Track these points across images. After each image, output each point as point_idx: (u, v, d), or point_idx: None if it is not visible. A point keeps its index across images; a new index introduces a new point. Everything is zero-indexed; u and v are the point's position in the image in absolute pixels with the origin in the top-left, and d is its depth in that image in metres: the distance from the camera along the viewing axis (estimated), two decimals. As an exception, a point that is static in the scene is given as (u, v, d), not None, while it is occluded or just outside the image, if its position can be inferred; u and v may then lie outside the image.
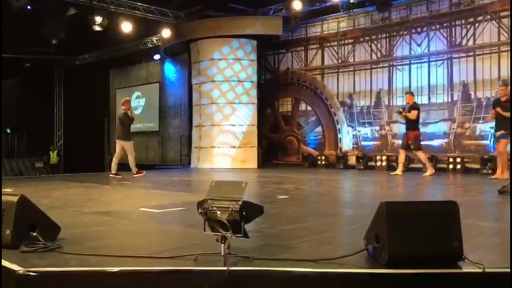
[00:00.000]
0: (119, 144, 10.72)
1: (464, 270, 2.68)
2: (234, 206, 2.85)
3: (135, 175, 10.52)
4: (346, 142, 14.06)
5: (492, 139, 9.43)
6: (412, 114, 10.36)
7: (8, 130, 21.23)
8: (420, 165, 11.78)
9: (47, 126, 21.73)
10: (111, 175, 10.37)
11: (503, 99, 9.30)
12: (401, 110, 10.72)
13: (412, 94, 10.86)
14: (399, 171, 10.61)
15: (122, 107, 10.77)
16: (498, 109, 9.17)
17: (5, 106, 18.51)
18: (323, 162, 14.00)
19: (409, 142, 10.46)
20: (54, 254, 3.00)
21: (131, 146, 10.78)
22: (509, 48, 11.08)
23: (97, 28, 13.15)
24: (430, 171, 10.40)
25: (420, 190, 8.24)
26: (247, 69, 14.55)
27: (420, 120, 12.48)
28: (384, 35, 13.31)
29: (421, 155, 10.56)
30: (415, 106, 10.52)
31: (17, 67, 19.67)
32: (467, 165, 11.42)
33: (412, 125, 10.45)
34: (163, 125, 17.97)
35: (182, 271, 2.70)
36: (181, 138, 16.91)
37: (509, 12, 11.07)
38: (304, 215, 5.18)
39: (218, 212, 2.86)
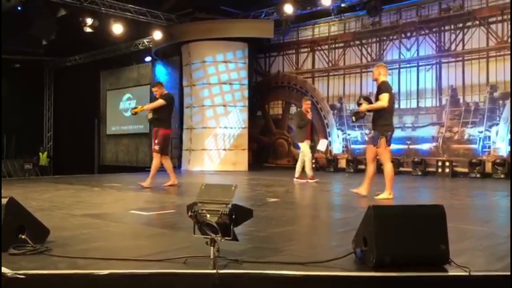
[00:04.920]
0: None
1: (450, 273, 2.72)
2: (224, 209, 2.86)
3: (309, 180, 9.53)
4: (336, 145, 14.12)
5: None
6: (155, 104, 8.13)
7: (-3, 131, 21.01)
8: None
9: (36, 128, 21.56)
10: (309, 181, 9.50)
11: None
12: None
13: (162, 84, 8.58)
14: (147, 182, 8.16)
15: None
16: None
17: (-6, 107, 18.35)
18: (314, 165, 14.02)
19: (155, 141, 8.16)
20: (43, 257, 2.99)
21: (303, 147, 9.76)
22: (497, 53, 11.22)
23: (88, 29, 13.10)
24: (173, 181, 8.34)
25: (408, 194, 8.29)
26: (238, 71, 14.57)
27: (409, 124, 12.65)
28: (374, 39, 13.42)
29: (156, 160, 8.16)
30: (163, 97, 8.20)
31: (7, 68, 19.49)
32: (455, 168, 11.54)
33: (165, 120, 8.23)
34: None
35: (172, 274, 2.71)
36: (172, 140, 16.82)
37: (497, 18, 11.22)
38: (293, 218, 5.20)
39: (208, 215, 2.87)
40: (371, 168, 6.62)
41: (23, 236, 3.13)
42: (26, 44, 15.70)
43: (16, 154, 21.23)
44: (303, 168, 9.73)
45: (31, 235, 3.16)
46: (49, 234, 3.40)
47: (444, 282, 2.74)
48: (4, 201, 3.15)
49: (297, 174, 9.67)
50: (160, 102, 8.09)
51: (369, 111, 6.46)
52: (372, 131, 6.52)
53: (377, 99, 6.40)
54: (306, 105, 9.87)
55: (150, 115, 8.21)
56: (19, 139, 21.57)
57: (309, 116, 9.81)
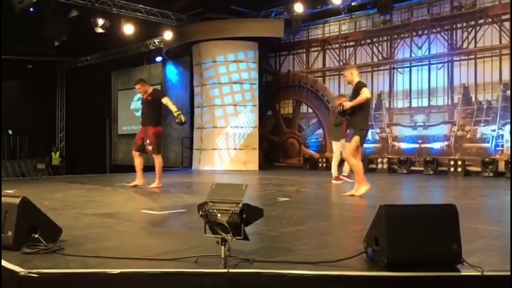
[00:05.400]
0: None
1: (463, 273, 2.70)
2: (235, 209, 2.87)
3: (333, 180, 9.11)
4: (347, 144, 14.05)
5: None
6: (169, 100, 7.78)
7: (10, 131, 21.28)
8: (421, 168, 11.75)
9: (49, 128, 21.79)
10: (333, 181, 9.09)
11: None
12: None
13: (144, 80, 8.17)
14: (138, 180, 7.95)
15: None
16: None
17: (7, 107, 18.57)
18: (324, 165, 14.00)
19: (146, 142, 7.73)
20: (56, 256, 3.02)
21: (336, 147, 9.29)
22: (510, 51, 11.10)
23: (99, 30, 13.19)
24: (138, 182, 7.92)
25: (420, 193, 8.24)
26: (249, 71, 14.59)
27: (421, 122, 12.56)
28: (385, 38, 13.35)
29: (158, 160, 7.83)
30: (160, 93, 7.93)
31: (19, 69, 19.73)
32: (468, 168, 11.43)
33: (156, 117, 7.81)
34: (164, 126, 17.85)
35: (183, 273, 2.72)
36: (182, 140, 16.93)
37: (510, 16, 11.09)
38: (304, 217, 5.19)
39: (219, 215, 2.88)
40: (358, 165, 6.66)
41: (36, 235, 3.16)
42: (38, 45, 15.86)
43: (29, 154, 21.47)
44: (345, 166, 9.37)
45: (44, 234, 3.19)
46: (61, 233, 3.43)
47: (456, 282, 2.72)
48: (17, 200, 3.19)
49: (345, 172, 9.23)
50: (168, 99, 7.79)
51: (353, 107, 6.35)
52: (349, 129, 6.50)
53: (354, 98, 6.35)
54: (341, 101, 9.53)
55: (182, 117, 7.60)
56: (31, 139, 21.82)
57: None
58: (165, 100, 7.75)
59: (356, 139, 6.30)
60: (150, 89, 8.03)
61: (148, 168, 8.57)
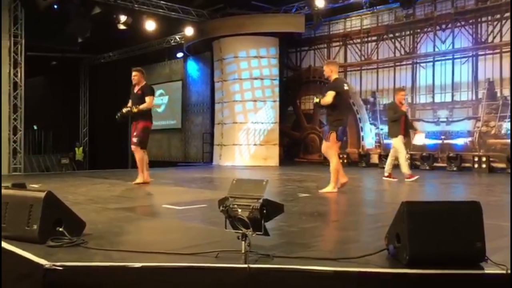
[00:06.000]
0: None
1: (487, 271, 2.65)
2: (255, 204, 2.87)
3: (406, 179, 8.49)
4: (369, 140, 13.94)
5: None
6: (150, 101, 7.64)
7: (35, 127, 21.70)
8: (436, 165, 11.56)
9: (72, 123, 22.14)
10: (406, 180, 8.48)
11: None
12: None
13: (142, 71, 7.91)
14: (140, 178, 7.82)
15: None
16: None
17: (32, 104, 18.89)
18: (345, 160, 13.89)
19: (133, 134, 7.70)
20: (79, 249, 3.07)
21: (396, 142, 8.77)
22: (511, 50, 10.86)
23: (122, 26, 13.34)
24: (140, 179, 7.83)
25: (443, 190, 8.13)
26: (269, 67, 14.56)
27: (444, 118, 12.36)
28: (408, 32, 13.16)
29: (139, 154, 7.72)
30: (149, 90, 7.77)
31: (44, 65, 20.08)
32: (492, 164, 11.22)
33: (146, 112, 7.71)
34: (185, 122, 18.12)
35: (203, 267, 2.74)
36: (203, 136, 17.03)
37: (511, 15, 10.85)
38: (325, 213, 5.17)
39: (239, 210, 2.89)
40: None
41: (60, 229, 3.22)
42: (62, 42, 16.12)
43: (53, 149, 21.87)
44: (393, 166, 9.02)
45: (68, 228, 3.25)
46: (85, 227, 3.49)
47: (480, 280, 2.67)
48: (42, 195, 3.26)
49: (386, 172, 8.92)
50: (151, 100, 7.67)
51: (323, 105, 6.71)
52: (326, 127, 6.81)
53: None
54: (400, 96, 9.05)
55: (134, 109, 7.55)
56: (55, 134, 22.20)
57: (404, 108, 8.93)
58: (147, 99, 7.61)
59: (333, 135, 6.68)
60: (143, 83, 7.83)
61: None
